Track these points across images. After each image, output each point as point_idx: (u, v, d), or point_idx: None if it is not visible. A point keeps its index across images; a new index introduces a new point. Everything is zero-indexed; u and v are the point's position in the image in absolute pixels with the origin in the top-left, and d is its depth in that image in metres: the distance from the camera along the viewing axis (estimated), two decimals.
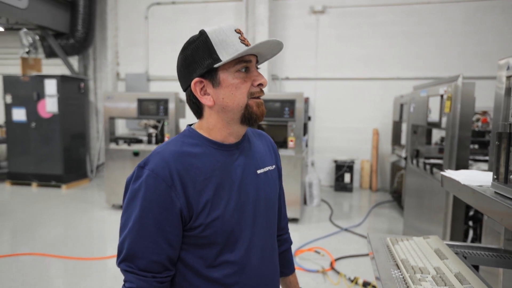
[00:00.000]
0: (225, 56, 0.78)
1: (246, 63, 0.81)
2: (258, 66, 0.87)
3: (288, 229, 1.17)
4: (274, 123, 4.23)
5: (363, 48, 5.89)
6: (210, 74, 0.81)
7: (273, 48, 0.83)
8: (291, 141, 4.07)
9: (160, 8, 6.58)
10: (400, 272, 0.91)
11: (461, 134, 2.34)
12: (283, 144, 4.25)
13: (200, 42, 0.81)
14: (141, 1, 6.61)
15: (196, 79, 0.81)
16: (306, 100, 5.79)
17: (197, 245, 0.82)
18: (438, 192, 2.67)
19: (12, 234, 3.81)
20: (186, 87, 0.86)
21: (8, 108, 5.78)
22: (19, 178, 5.82)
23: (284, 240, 1.14)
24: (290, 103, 4.03)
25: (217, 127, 0.85)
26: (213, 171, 0.83)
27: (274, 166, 1.00)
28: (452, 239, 2.49)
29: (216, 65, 0.79)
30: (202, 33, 0.81)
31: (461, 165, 2.37)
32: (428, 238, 1.09)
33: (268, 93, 4.56)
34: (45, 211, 4.58)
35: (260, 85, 0.84)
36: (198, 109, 0.87)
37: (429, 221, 2.89)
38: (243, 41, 0.81)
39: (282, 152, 4.05)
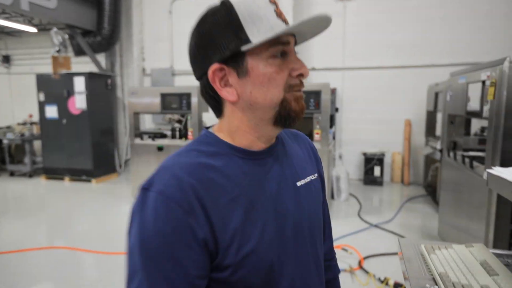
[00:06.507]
0: (256, 35, 0.58)
1: (283, 45, 0.60)
2: (296, 51, 0.65)
3: (334, 254, 0.92)
4: None
5: (394, 35, 5.55)
6: (235, 59, 0.60)
7: (319, 25, 0.61)
8: (317, 133, 3.90)
9: (184, 2, 6.54)
10: None
11: (507, 124, 2.09)
12: (309, 137, 4.10)
13: (222, 15, 0.60)
14: None
15: (216, 65, 0.60)
16: (333, 91, 5.57)
17: None
18: (479, 187, 2.43)
19: (47, 227, 3.96)
20: (201, 75, 0.64)
21: (41, 106, 6.00)
22: (53, 173, 6.06)
23: (328, 268, 0.88)
24: (316, 94, 3.85)
25: (242, 129, 0.65)
26: (241, 189, 0.61)
27: (316, 175, 0.78)
28: (495, 239, 2.26)
29: (244, 48, 0.58)
30: (225, 3, 0.60)
31: (507, 158, 2.13)
32: (472, 247, 0.93)
33: None
34: (77, 205, 4.72)
35: (301, 75, 0.62)
36: (217, 105, 0.66)
37: (469, 219, 2.65)
38: (279, 15, 0.61)
39: None
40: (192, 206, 0.55)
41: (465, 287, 0.74)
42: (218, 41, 0.59)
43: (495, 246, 2.23)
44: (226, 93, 0.62)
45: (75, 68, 6.35)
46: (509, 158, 2.13)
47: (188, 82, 6.45)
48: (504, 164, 2.12)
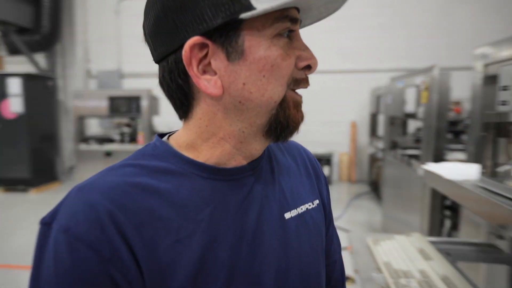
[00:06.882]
0: (261, 0, 0.38)
1: (292, 23, 0.42)
2: None
3: None
4: None
5: (339, 41, 5.88)
6: (225, 33, 0.40)
7: (332, 3, 0.48)
8: None
9: (132, 3, 6.31)
10: (383, 276, 0.85)
11: (438, 125, 2.34)
12: None
13: None
14: None
15: (196, 38, 0.40)
16: None
17: None
18: (415, 182, 2.67)
19: None
20: (166, 54, 0.43)
21: None
22: None
23: None
24: None
25: (217, 137, 0.45)
26: (197, 224, 0.42)
27: (317, 202, 0.56)
28: (429, 228, 2.50)
29: (244, 15, 0.38)
30: None
31: (438, 155, 2.37)
32: (411, 236, 1.03)
33: None
34: (12, 218, 4.32)
35: (308, 68, 0.46)
36: (184, 101, 0.45)
37: (407, 211, 2.90)
38: None
39: None
40: (115, 249, 0.37)
41: (405, 273, 0.82)
42: (202, 3, 0.39)
43: (430, 234, 2.46)
44: (206, 83, 0.41)
45: (9, 68, 5.84)
46: (440, 154, 2.38)
47: (137, 84, 6.22)
48: (436, 160, 2.36)
